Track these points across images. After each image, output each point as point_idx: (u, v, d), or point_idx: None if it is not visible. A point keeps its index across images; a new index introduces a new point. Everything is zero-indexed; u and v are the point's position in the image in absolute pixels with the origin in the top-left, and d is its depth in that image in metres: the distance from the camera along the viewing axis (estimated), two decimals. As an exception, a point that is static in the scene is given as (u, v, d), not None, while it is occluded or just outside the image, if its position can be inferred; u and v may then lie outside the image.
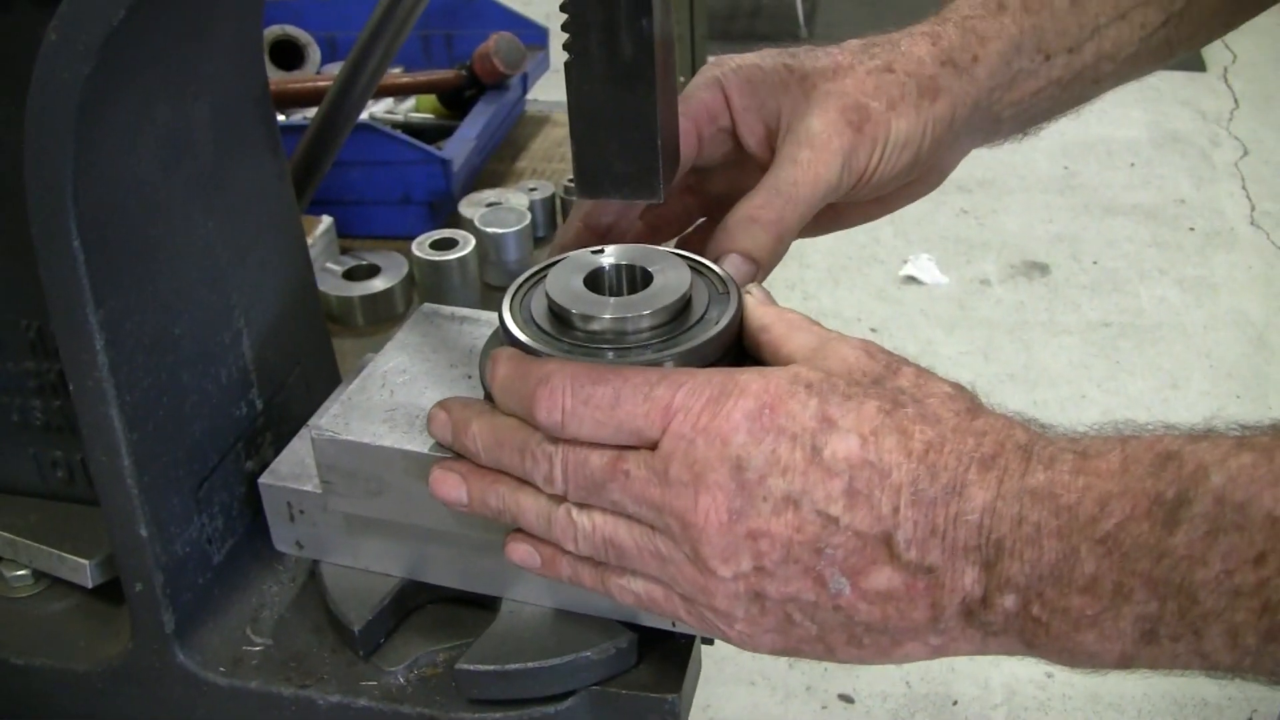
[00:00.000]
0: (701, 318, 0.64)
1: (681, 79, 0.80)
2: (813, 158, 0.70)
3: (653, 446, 0.56)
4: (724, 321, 0.63)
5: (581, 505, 0.59)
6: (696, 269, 0.67)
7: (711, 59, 0.77)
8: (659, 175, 0.59)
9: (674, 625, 0.65)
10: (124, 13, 0.55)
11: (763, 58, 0.75)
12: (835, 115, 0.70)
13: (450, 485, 0.62)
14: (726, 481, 0.54)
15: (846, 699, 2.23)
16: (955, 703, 2.22)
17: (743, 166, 0.75)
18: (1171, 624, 0.49)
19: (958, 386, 0.58)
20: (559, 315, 0.64)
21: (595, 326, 0.62)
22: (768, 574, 0.55)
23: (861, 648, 0.56)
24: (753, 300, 0.64)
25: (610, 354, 0.61)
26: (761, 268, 0.69)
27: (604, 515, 0.58)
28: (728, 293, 0.65)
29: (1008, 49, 0.75)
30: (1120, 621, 0.50)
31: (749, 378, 0.56)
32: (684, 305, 0.64)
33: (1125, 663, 0.51)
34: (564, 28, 0.57)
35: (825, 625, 0.55)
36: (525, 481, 0.60)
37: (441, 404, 0.64)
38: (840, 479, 0.53)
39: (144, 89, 0.63)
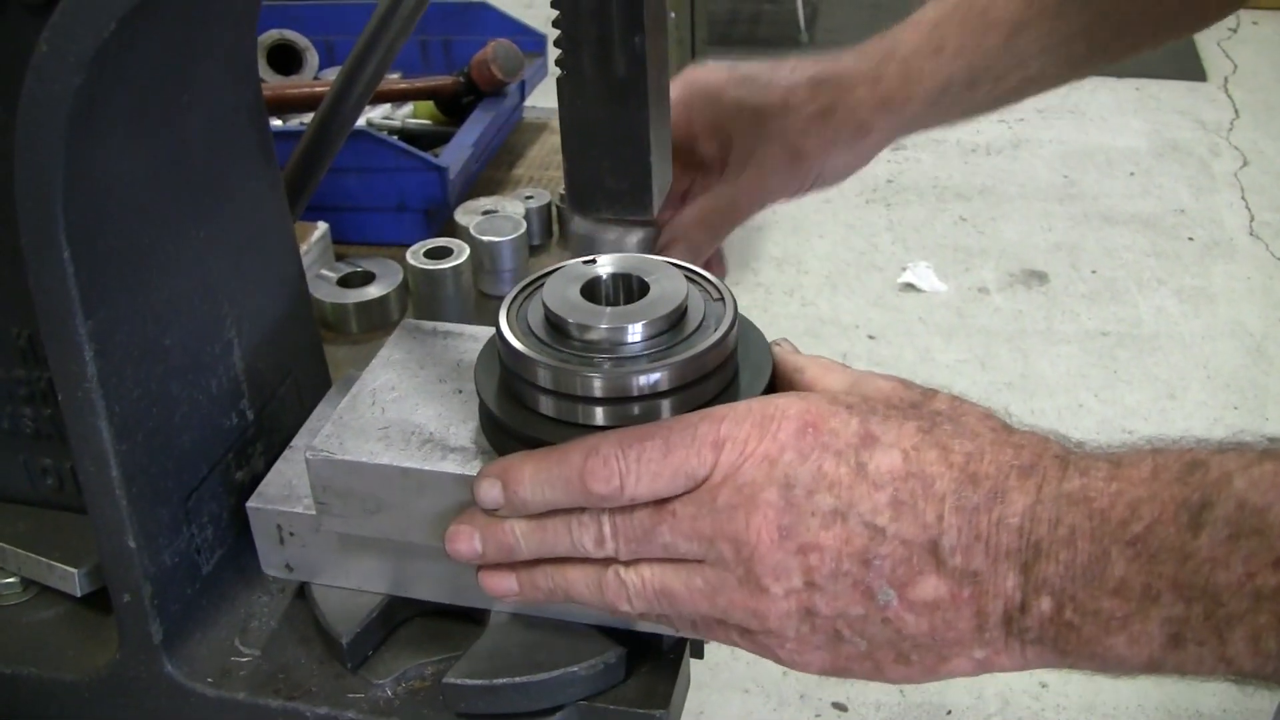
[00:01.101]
0: (699, 326, 0.64)
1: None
2: (750, 180, 0.88)
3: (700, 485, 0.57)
4: (721, 330, 0.63)
5: (629, 563, 0.59)
6: (692, 278, 0.67)
7: (690, 67, 0.91)
8: (651, 192, 0.60)
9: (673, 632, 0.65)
10: (115, 24, 0.55)
11: (727, 85, 0.89)
12: (776, 149, 0.87)
13: (500, 578, 0.63)
14: (776, 500, 0.55)
15: (840, 707, 2.22)
16: (949, 712, 2.21)
17: (700, 169, 0.91)
18: (1197, 627, 0.50)
19: (990, 410, 0.60)
20: (556, 325, 0.64)
21: (592, 336, 0.62)
22: (818, 589, 0.56)
23: (909, 665, 0.57)
24: (782, 351, 0.67)
25: (608, 364, 0.61)
26: (700, 255, 0.87)
27: (651, 567, 0.59)
28: (723, 300, 0.66)
29: (938, 87, 0.88)
30: (1148, 624, 0.51)
31: (787, 401, 0.58)
32: (681, 314, 0.64)
33: (1153, 667, 0.53)
34: (557, 44, 0.57)
35: (874, 641, 0.56)
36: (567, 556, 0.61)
37: (460, 520, 0.63)
38: (885, 491, 0.55)
39: (136, 99, 0.63)
